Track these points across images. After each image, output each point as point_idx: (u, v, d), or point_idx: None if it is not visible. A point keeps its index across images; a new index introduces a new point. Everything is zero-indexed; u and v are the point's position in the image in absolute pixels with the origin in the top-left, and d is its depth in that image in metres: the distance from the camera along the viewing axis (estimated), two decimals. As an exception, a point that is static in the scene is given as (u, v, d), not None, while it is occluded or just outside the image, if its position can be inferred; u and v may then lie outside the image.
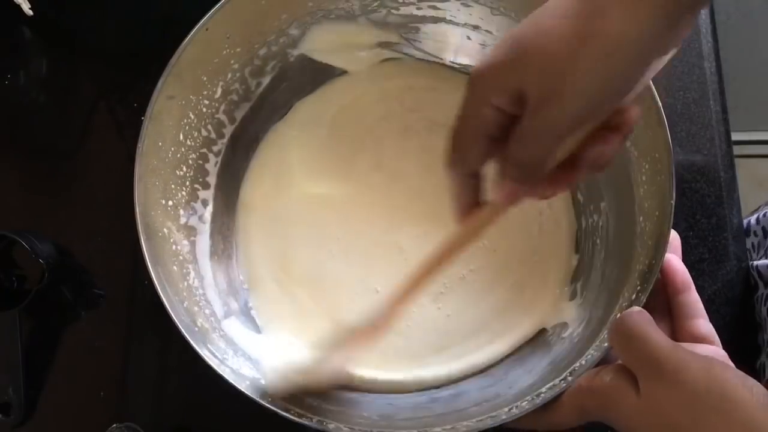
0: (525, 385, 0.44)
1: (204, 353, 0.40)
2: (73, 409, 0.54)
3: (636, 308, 0.36)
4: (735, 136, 0.55)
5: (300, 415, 0.39)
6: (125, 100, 0.59)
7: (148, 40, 0.60)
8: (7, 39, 0.62)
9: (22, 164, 0.60)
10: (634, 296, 0.40)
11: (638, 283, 0.40)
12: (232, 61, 0.48)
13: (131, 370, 0.54)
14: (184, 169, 0.48)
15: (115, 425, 0.50)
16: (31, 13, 0.60)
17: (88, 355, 0.54)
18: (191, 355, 0.53)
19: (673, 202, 0.39)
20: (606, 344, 0.38)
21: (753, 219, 0.58)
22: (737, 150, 0.54)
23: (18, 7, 0.59)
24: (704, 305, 0.39)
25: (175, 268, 0.45)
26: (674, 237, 0.40)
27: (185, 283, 0.45)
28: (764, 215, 0.57)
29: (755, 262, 0.52)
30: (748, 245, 0.55)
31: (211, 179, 0.51)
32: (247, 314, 0.51)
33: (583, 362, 0.39)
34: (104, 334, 0.54)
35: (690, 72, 0.55)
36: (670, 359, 0.31)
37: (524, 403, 0.39)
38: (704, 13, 0.57)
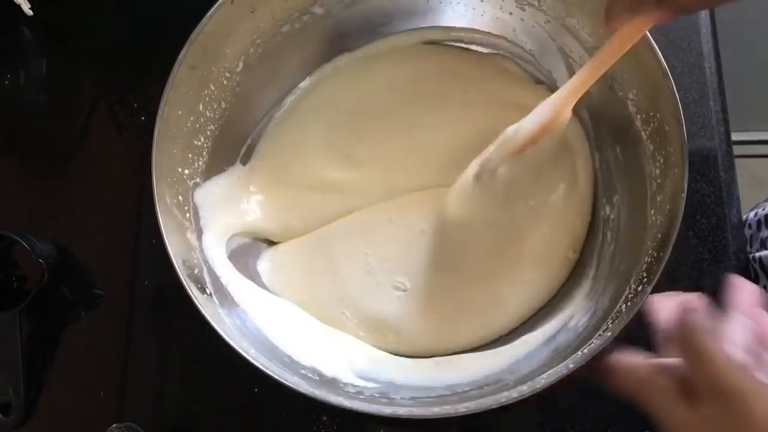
0: (527, 371, 0.44)
1: (214, 323, 0.41)
2: (73, 409, 0.54)
3: (700, 314, 0.34)
4: (735, 136, 0.55)
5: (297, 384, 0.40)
6: (125, 100, 0.59)
7: (148, 40, 0.60)
8: (7, 39, 0.62)
9: (22, 164, 0.60)
10: (640, 288, 0.40)
11: (644, 275, 0.40)
12: (255, 36, 0.49)
13: (131, 370, 0.54)
14: (202, 139, 0.49)
15: (115, 425, 0.50)
16: (31, 13, 0.60)
17: (88, 355, 0.54)
18: (191, 355, 0.54)
19: (684, 195, 0.40)
20: (609, 334, 0.39)
21: (751, 214, 0.58)
22: (737, 150, 0.54)
23: (18, 7, 0.59)
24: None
25: (188, 235, 0.46)
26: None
27: (196, 252, 0.47)
28: (763, 209, 0.57)
29: (757, 254, 0.52)
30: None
31: (227, 151, 0.52)
32: (257, 279, 0.52)
33: (585, 351, 0.39)
34: (104, 334, 0.54)
35: (690, 72, 0.55)
36: (738, 387, 0.30)
37: (524, 387, 0.39)
38: (704, 13, 0.57)
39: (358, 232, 0.53)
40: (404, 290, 0.51)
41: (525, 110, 0.54)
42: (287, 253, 0.54)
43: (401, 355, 0.50)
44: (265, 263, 0.53)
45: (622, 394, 0.36)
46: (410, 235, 0.52)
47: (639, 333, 0.49)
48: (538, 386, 0.38)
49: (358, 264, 0.52)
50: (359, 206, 0.53)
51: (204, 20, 0.44)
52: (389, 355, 0.50)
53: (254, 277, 0.52)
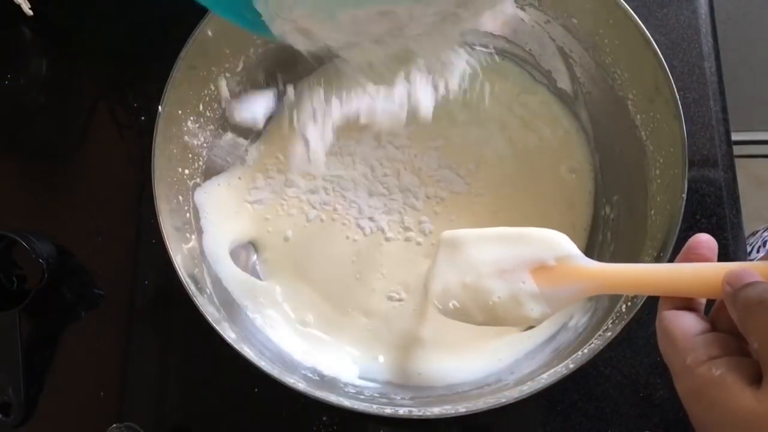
0: (526, 372, 0.44)
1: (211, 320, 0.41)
2: (73, 409, 0.54)
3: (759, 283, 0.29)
4: (735, 136, 0.55)
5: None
6: (125, 100, 0.59)
7: (148, 40, 0.60)
8: (7, 39, 0.62)
9: (22, 164, 0.60)
10: None
11: None
12: (255, 36, 0.49)
13: (131, 370, 0.54)
14: (202, 139, 0.49)
15: (115, 425, 0.50)
16: (31, 13, 0.60)
17: (88, 355, 0.54)
18: (191, 355, 0.54)
19: (684, 195, 0.40)
20: (609, 334, 0.39)
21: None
22: (737, 150, 0.54)
23: (18, 7, 0.59)
24: (704, 306, 0.39)
25: (188, 235, 0.46)
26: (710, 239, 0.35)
27: (196, 251, 0.47)
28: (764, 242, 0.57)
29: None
30: None
31: (227, 151, 0.52)
32: (255, 274, 0.52)
33: (585, 351, 0.39)
34: (104, 334, 0.54)
35: (690, 72, 0.55)
36: None
37: (524, 387, 0.39)
38: (704, 13, 0.57)
39: (340, 236, 0.53)
40: (400, 300, 0.51)
41: (525, 111, 0.54)
42: (284, 253, 0.53)
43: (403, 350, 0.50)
44: (265, 263, 0.53)
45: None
46: (389, 240, 0.52)
47: (639, 332, 0.49)
48: (538, 386, 0.38)
49: (346, 271, 0.52)
50: (348, 204, 0.53)
51: (204, 20, 0.44)
52: (389, 354, 0.50)
53: (255, 276, 0.52)
